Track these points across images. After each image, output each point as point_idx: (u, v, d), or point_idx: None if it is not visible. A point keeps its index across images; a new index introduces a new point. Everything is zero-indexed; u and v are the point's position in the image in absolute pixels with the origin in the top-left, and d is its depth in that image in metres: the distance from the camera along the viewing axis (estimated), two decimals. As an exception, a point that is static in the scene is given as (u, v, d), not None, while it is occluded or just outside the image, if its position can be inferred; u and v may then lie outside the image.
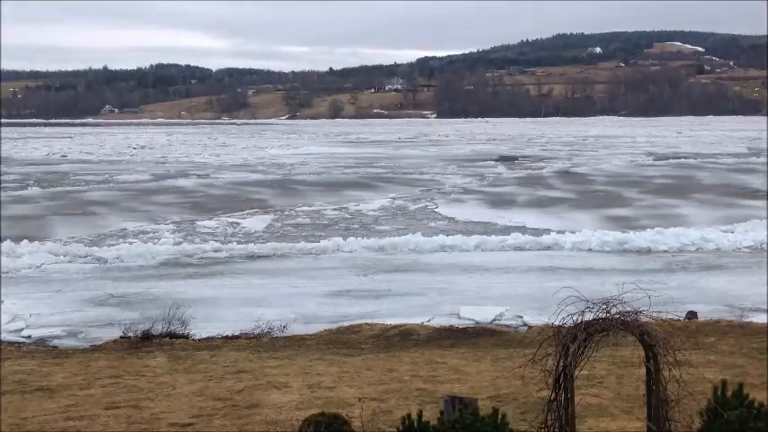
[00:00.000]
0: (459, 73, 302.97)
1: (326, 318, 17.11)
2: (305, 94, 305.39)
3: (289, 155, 78.58)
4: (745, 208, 35.82)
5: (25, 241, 26.44)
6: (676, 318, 14.74)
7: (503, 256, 24.74)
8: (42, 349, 14.77)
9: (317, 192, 44.04)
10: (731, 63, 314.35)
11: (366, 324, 15.68)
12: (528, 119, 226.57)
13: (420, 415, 6.30)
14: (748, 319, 15.91)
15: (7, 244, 25.49)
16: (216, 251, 25.32)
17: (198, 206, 37.84)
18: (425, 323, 15.97)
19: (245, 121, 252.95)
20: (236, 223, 32.26)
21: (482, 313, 17.13)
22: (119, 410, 9.97)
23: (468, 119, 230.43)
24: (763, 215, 31.90)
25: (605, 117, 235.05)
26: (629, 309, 6.19)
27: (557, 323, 6.23)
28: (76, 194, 43.60)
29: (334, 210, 36.33)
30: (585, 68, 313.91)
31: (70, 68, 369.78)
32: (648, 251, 25.18)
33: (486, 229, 30.06)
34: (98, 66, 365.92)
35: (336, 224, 31.92)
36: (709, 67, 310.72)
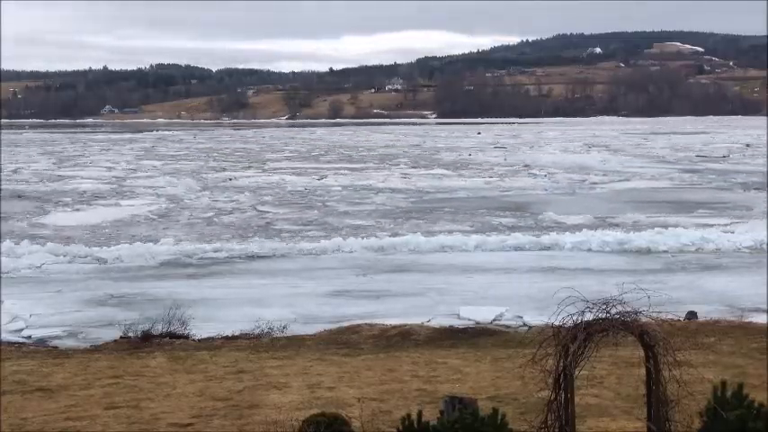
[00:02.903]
0: (459, 73, 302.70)
1: (326, 318, 17.11)
2: (305, 94, 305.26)
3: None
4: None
5: (25, 241, 26.45)
6: (676, 318, 14.71)
7: (503, 256, 24.75)
8: (42, 349, 14.75)
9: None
10: (731, 63, 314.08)
11: (366, 324, 15.67)
12: (528, 119, 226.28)
13: (420, 415, 6.29)
14: (748, 319, 15.91)
15: (7, 244, 25.50)
16: (216, 251, 25.32)
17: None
18: (425, 323, 15.96)
19: (245, 121, 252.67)
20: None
21: (482, 313, 17.13)
22: (119, 410, 9.97)
23: (468, 119, 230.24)
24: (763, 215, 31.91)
25: (605, 117, 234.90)
26: (629, 309, 6.19)
27: (557, 323, 6.23)
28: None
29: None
30: (585, 68, 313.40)
31: (70, 68, 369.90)
32: (648, 251, 25.18)
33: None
34: (98, 66, 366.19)
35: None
36: (709, 68, 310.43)
